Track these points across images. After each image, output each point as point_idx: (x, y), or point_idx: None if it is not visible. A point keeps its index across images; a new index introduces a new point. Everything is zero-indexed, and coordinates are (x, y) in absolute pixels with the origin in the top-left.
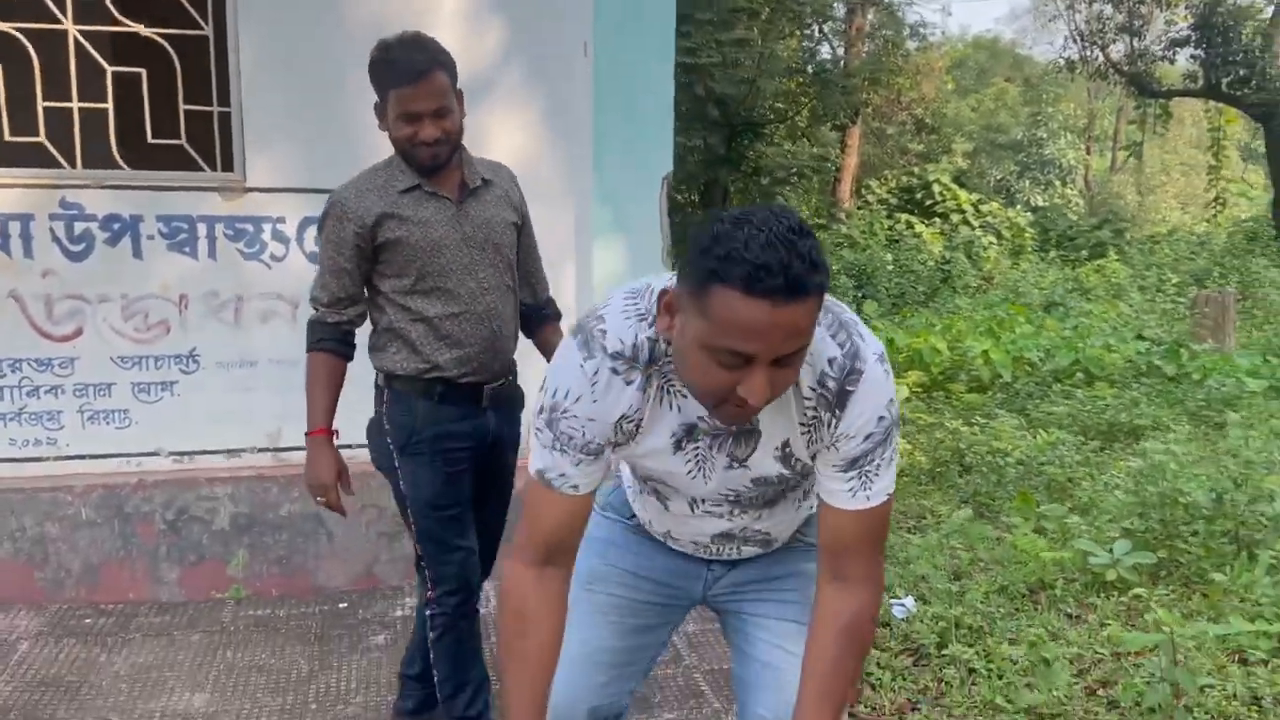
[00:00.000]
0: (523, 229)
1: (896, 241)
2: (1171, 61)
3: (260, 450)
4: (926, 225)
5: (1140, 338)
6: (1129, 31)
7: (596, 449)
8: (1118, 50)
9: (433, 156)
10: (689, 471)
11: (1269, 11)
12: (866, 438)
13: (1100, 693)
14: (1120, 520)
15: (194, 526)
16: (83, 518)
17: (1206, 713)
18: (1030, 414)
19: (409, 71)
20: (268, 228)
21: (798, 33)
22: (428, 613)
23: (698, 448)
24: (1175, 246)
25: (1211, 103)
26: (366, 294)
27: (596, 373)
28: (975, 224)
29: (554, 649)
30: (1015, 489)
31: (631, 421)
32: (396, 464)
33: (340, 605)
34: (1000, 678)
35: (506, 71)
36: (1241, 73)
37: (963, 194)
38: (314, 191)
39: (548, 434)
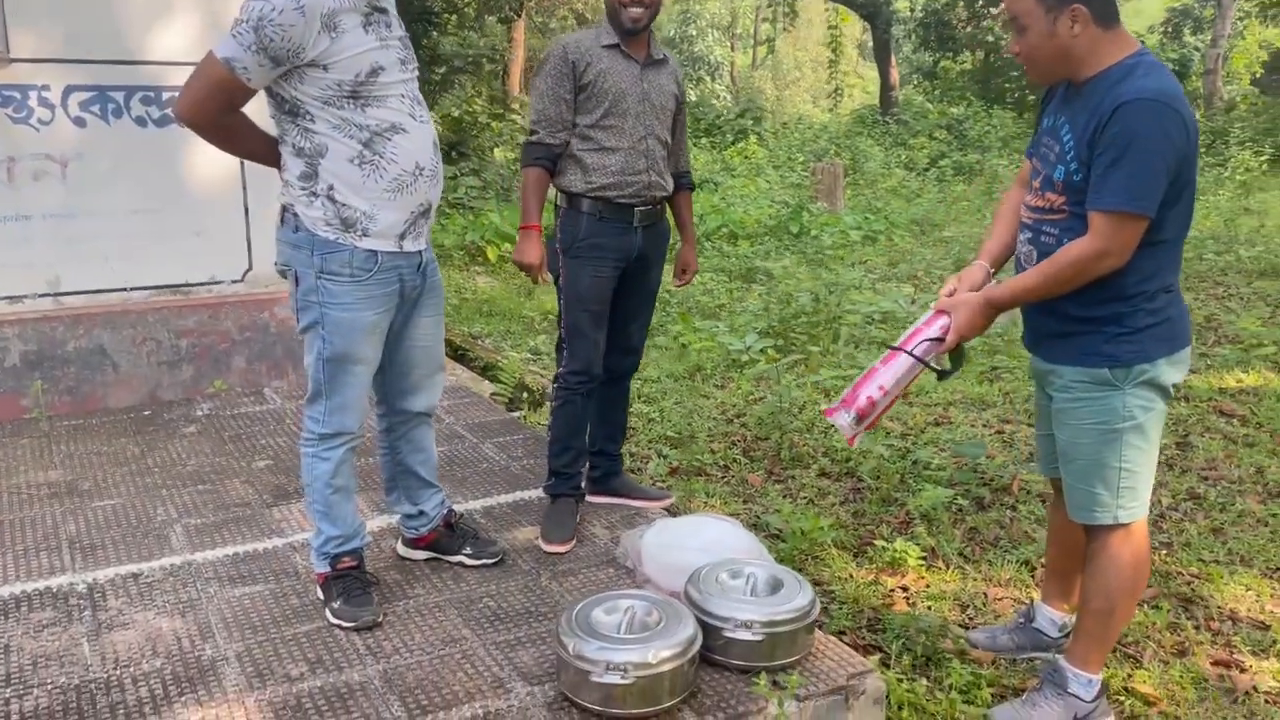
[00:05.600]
0: (679, 107)
1: None
2: None
3: (41, 295)
4: None
5: (772, 204)
6: None
7: (284, 55)
8: None
9: (634, 19)
10: (382, 41)
11: None
12: None
13: (735, 421)
14: (752, 324)
15: None
16: None
17: (801, 420)
18: None
19: None
20: (34, 95)
21: None
22: (555, 385)
23: (375, 23)
24: (803, 132)
25: (831, 3)
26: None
27: None
28: None
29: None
30: (678, 314)
31: (334, 19)
32: (560, 264)
33: (145, 413)
34: (670, 420)
35: None
36: None
37: None
38: (75, 62)
39: (249, 36)
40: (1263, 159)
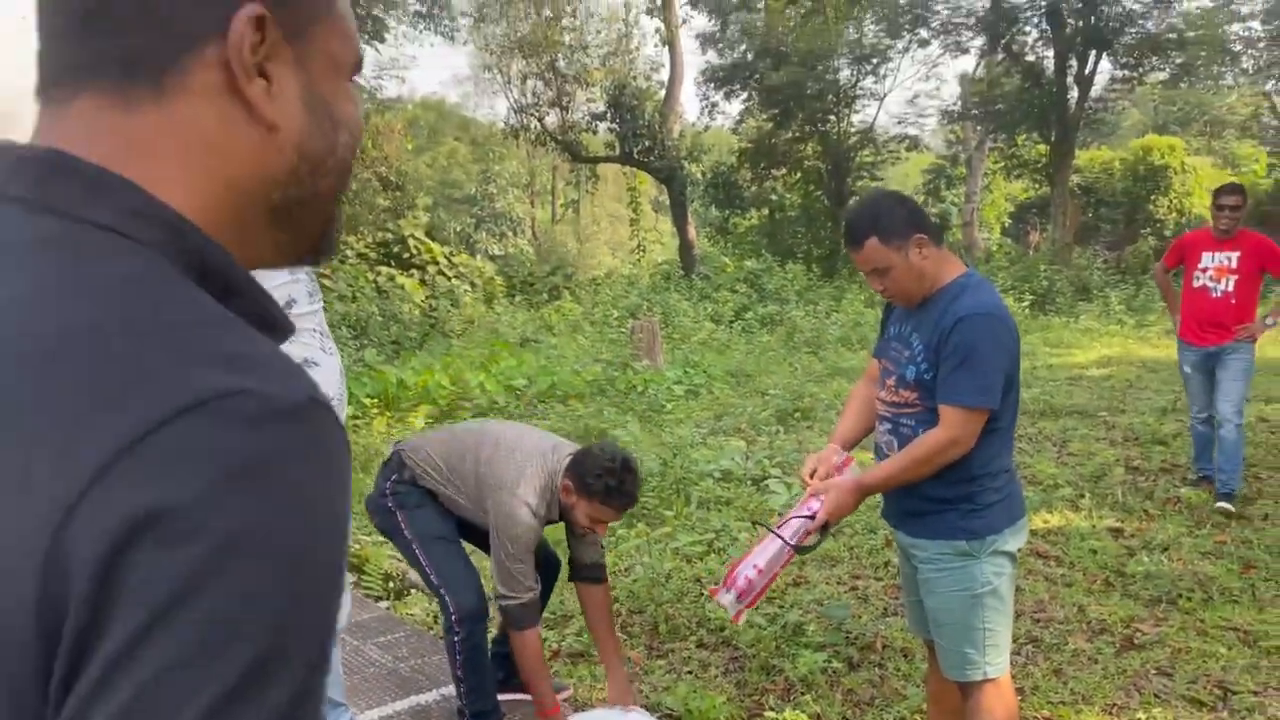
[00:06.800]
0: None
1: (384, 293)
2: (594, 132)
3: None
4: (407, 276)
5: (596, 361)
6: (559, 105)
7: None
8: (552, 120)
9: (580, 535)
10: (292, 274)
11: (661, 95)
12: None
13: None
14: None
15: None
16: None
17: (670, 590)
18: None
19: (624, 504)
20: None
21: None
22: (456, 638)
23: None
24: (613, 287)
25: (628, 166)
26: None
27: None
28: (450, 274)
29: None
30: None
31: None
32: (399, 519)
33: None
34: None
35: None
36: (646, 143)
37: (436, 247)
38: None
39: None
40: (1024, 304)
